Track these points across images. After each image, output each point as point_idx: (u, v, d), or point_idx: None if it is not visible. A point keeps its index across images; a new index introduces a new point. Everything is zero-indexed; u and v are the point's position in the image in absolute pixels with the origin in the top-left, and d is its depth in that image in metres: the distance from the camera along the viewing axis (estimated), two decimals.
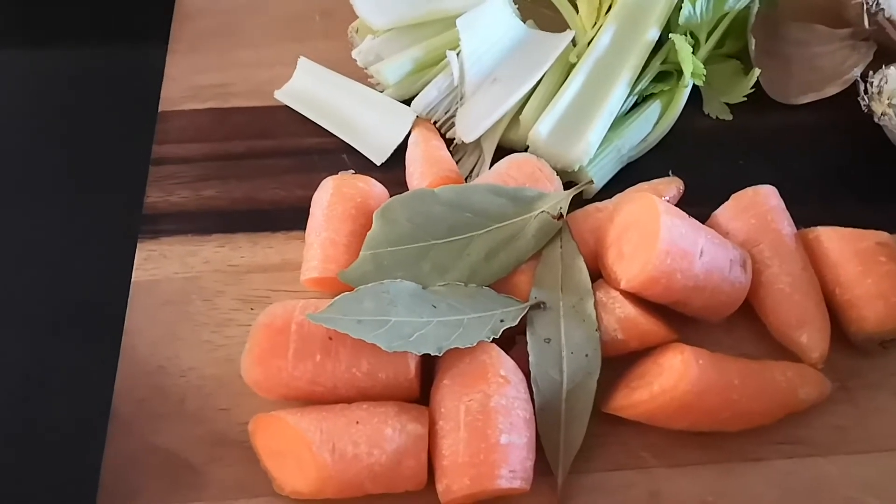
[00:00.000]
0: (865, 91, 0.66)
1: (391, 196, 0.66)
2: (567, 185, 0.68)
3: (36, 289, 0.70)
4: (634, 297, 0.58)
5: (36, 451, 0.62)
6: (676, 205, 0.66)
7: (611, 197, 0.66)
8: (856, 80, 0.66)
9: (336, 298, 0.55)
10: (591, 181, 0.63)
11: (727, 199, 0.65)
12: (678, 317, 0.60)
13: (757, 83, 0.73)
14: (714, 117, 0.75)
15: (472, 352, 0.55)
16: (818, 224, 0.64)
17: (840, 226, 0.64)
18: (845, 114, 0.72)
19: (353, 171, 0.67)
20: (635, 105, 0.73)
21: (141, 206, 0.69)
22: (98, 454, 0.57)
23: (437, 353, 0.54)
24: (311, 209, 0.65)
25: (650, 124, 0.72)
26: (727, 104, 0.75)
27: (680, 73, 0.71)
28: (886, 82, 0.64)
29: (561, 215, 0.61)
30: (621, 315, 0.58)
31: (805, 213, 0.65)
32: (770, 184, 0.66)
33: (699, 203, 0.66)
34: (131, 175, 0.72)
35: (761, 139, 0.74)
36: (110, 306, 0.65)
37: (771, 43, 0.78)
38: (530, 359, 0.57)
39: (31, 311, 0.69)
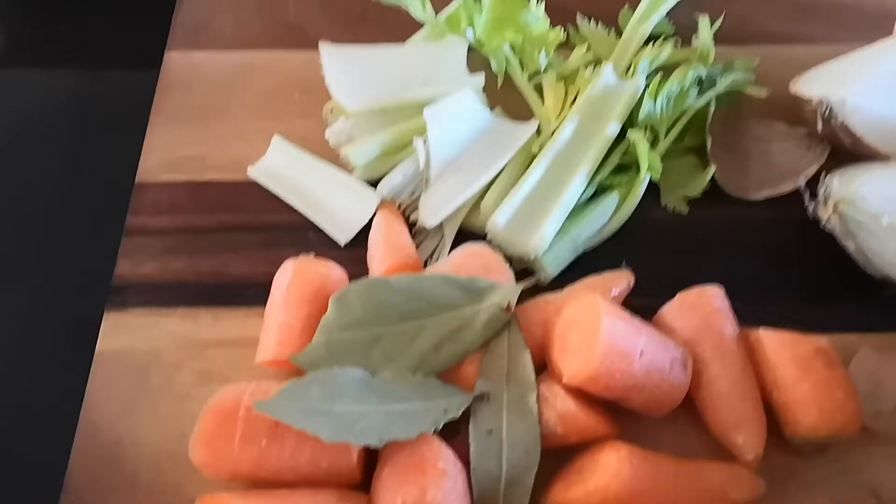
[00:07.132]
0: (812, 196, 0.68)
1: (350, 279, 0.69)
2: (524, 272, 0.71)
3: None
4: (576, 392, 0.60)
5: None
6: (627, 296, 0.69)
7: (565, 285, 0.68)
8: (803, 187, 0.68)
9: (284, 386, 0.57)
10: (540, 278, 0.66)
11: (677, 291, 0.67)
12: (621, 409, 0.62)
13: (715, 178, 0.76)
14: (671, 210, 0.77)
15: (413, 443, 0.56)
16: (763, 321, 0.66)
17: (785, 322, 0.66)
18: (800, 210, 0.74)
19: (315, 254, 0.69)
20: (594, 195, 0.75)
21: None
22: None
23: (377, 446, 0.55)
24: (271, 290, 0.67)
25: (607, 215, 0.74)
26: (685, 197, 0.77)
27: (639, 166, 0.74)
28: (830, 191, 0.66)
29: (509, 308, 0.63)
30: (562, 410, 0.59)
31: (751, 308, 0.67)
32: (720, 277, 0.68)
33: (649, 294, 0.68)
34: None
35: (715, 233, 0.75)
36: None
37: (731, 137, 0.80)
38: (471, 450, 0.58)
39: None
